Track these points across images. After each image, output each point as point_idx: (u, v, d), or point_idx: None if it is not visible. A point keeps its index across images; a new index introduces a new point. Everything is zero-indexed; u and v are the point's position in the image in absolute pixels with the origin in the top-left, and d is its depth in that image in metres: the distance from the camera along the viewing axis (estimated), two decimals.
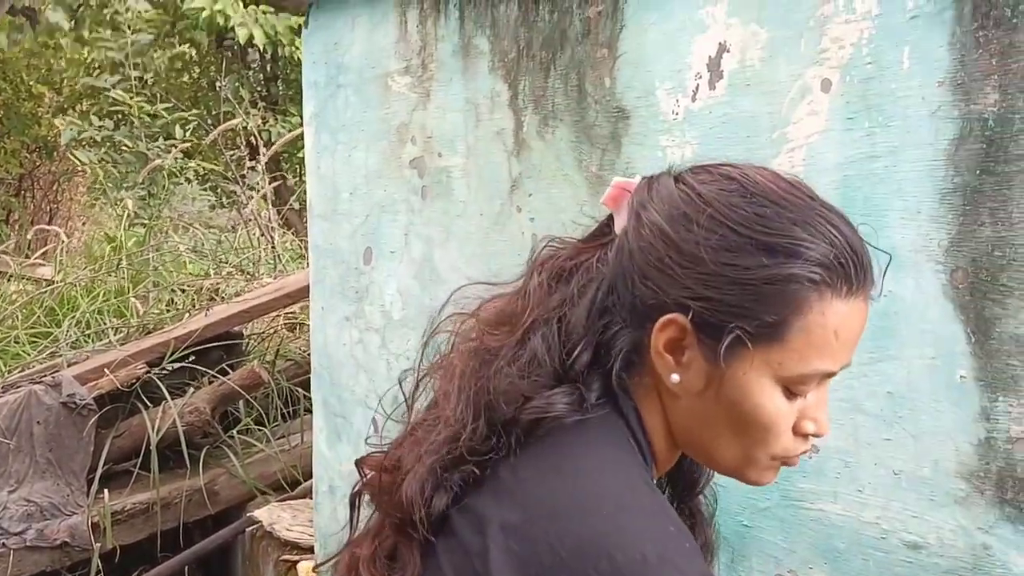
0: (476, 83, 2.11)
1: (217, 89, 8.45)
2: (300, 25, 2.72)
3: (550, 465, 0.99)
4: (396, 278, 2.38)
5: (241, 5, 7.12)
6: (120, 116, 7.70)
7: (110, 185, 7.25)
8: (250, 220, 6.22)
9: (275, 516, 3.30)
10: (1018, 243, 1.29)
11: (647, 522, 0.94)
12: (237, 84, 8.06)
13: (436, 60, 2.21)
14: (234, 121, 6.83)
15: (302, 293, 3.87)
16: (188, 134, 7.21)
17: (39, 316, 4.89)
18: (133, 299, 4.73)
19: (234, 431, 3.96)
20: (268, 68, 8.62)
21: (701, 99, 1.66)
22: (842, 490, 1.51)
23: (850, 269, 0.97)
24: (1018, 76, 1.28)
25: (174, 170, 6.72)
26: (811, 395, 1.02)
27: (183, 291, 5.04)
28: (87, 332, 4.52)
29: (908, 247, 1.39)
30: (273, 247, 5.81)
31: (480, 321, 1.10)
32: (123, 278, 5.03)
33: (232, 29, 7.16)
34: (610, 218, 1.09)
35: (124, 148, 7.29)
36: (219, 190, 7.98)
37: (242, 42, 7.27)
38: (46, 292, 5.15)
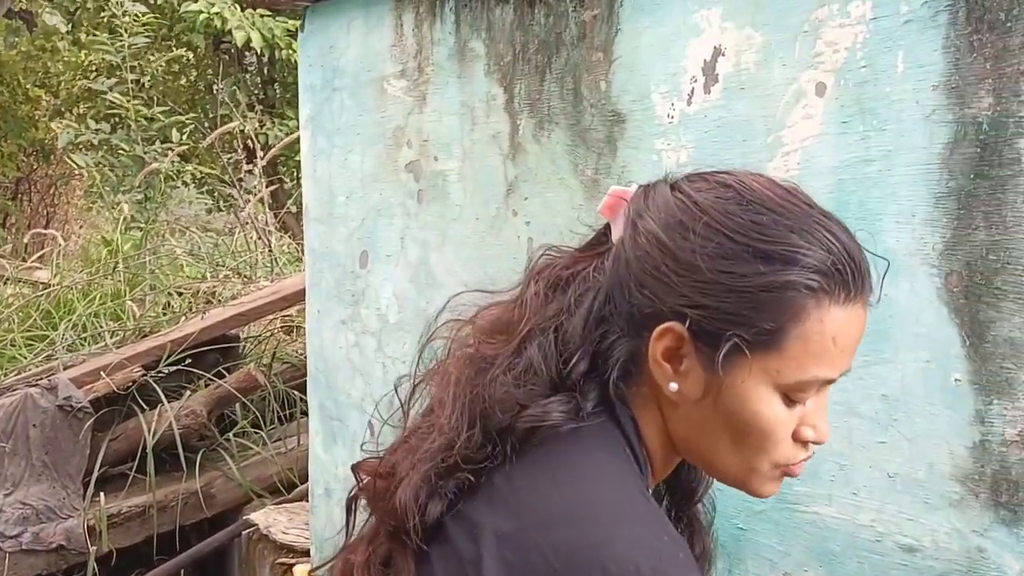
0: (472, 86, 2.11)
1: (214, 92, 8.45)
2: (297, 28, 2.72)
3: (545, 473, 0.99)
4: (392, 282, 2.38)
5: (238, 8, 7.12)
6: (117, 119, 7.69)
7: (107, 188, 7.23)
8: (247, 223, 6.22)
9: (271, 519, 3.30)
10: (1012, 247, 1.29)
11: (641, 532, 0.93)
12: (234, 87, 8.06)
13: (432, 63, 2.21)
14: (231, 124, 6.83)
15: (298, 296, 3.86)
16: (185, 137, 7.20)
17: (35, 319, 4.88)
18: (129, 302, 4.73)
19: (230, 434, 3.95)
20: (265, 71, 8.61)
21: (696, 103, 1.67)
22: (837, 493, 1.51)
23: (848, 275, 0.97)
24: (1012, 80, 1.28)
25: (171, 173, 6.71)
26: (810, 402, 1.01)
27: (180, 294, 5.04)
28: (83, 335, 4.51)
29: (903, 251, 1.39)
30: (270, 250, 5.81)
31: (476, 329, 1.09)
32: (119, 281, 5.02)
33: (229, 32, 7.15)
34: (607, 227, 1.09)
35: (121, 151, 7.28)
36: (216, 193, 7.98)
37: (239, 45, 7.26)
38: (42, 295, 5.15)
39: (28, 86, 9.61)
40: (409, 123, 2.28)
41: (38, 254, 7.27)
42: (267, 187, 6.64)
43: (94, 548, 3.51)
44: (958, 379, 1.36)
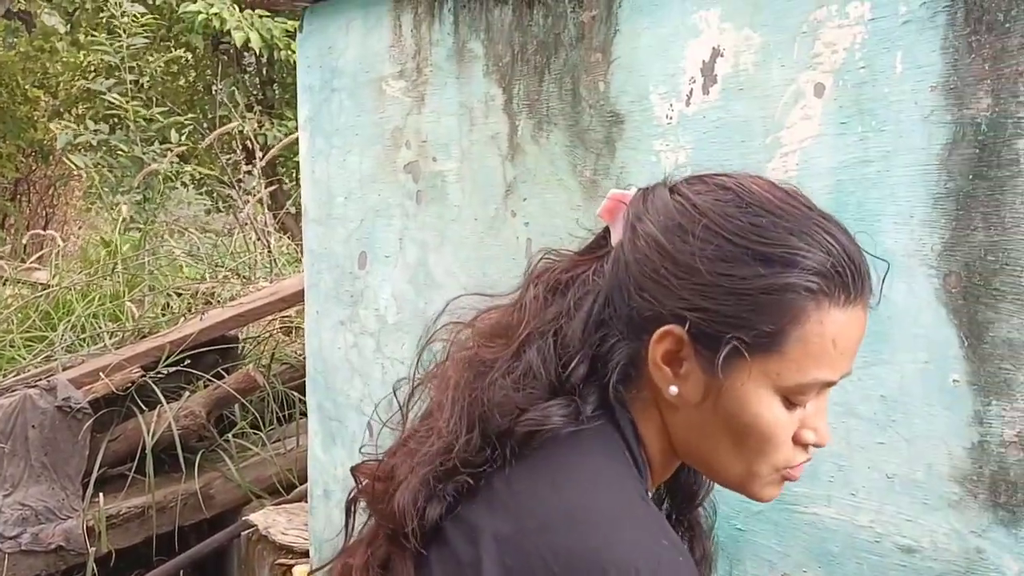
0: (470, 87, 2.11)
1: (213, 93, 8.44)
2: (295, 29, 2.72)
3: (544, 477, 0.99)
4: (391, 282, 2.38)
5: (237, 9, 7.11)
6: (116, 120, 7.68)
7: (106, 189, 7.23)
8: (246, 224, 6.22)
9: (270, 520, 3.30)
10: (1011, 247, 1.29)
11: (641, 536, 0.93)
12: (233, 88, 8.04)
13: (430, 64, 2.21)
14: (230, 125, 6.82)
15: (297, 297, 3.87)
16: (184, 138, 7.20)
17: (34, 320, 4.88)
18: (128, 303, 4.73)
19: (229, 435, 3.96)
20: (264, 72, 8.60)
21: (695, 103, 1.67)
22: (836, 494, 1.51)
23: (847, 278, 0.97)
24: (1010, 80, 1.28)
25: (170, 174, 6.71)
26: (810, 405, 1.01)
27: (179, 295, 5.04)
28: (82, 336, 4.51)
29: (901, 251, 1.39)
30: (269, 251, 5.81)
31: (476, 332, 1.09)
32: (118, 282, 5.02)
33: (228, 33, 7.14)
34: (606, 230, 1.08)
35: (120, 152, 7.27)
36: (215, 194, 7.98)
37: (238, 46, 7.25)
38: (41, 296, 5.15)
39: (27, 87, 9.60)
40: (408, 124, 2.28)
41: (37, 255, 7.27)
42: (266, 188, 6.64)
43: (93, 549, 3.52)
44: (956, 380, 1.36)
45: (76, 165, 7.73)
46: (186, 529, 3.72)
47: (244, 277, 5.38)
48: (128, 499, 3.67)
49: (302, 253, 2.87)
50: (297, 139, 2.80)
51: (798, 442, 1.02)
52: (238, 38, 7.05)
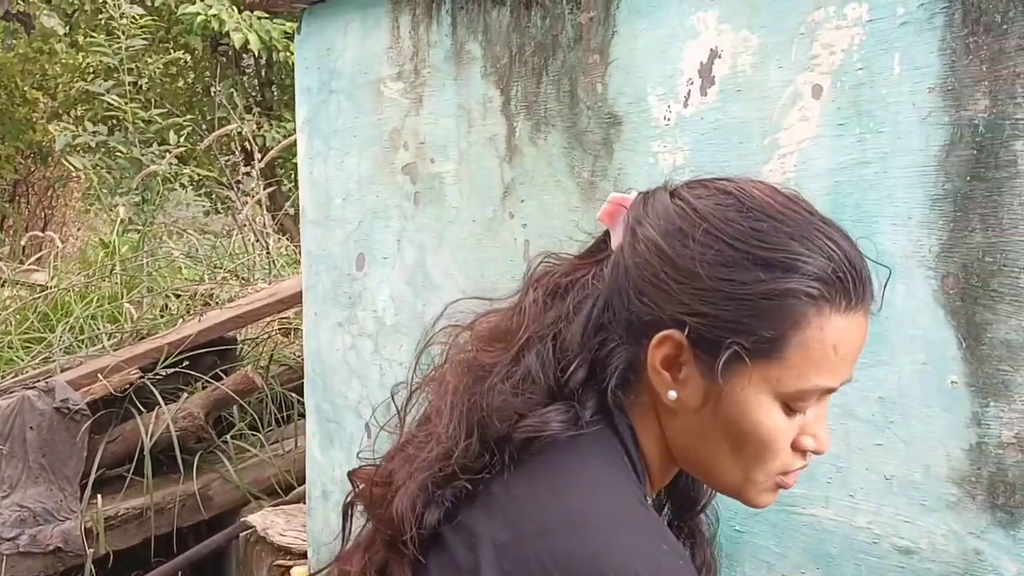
0: (468, 89, 2.11)
1: (212, 94, 8.44)
2: (294, 30, 2.72)
3: (543, 482, 0.98)
4: (389, 284, 2.38)
5: (236, 10, 7.11)
6: (115, 122, 7.68)
7: (104, 191, 7.23)
8: (245, 225, 6.21)
9: (269, 521, 3.30)
10: (1008, 249, 1.29)
11: (640, 541, 0.93)
12: (232, 89, 8.05)
13: (428, 66, 2.21)
14: (229, 127, 6.82)
15: (296, 299, 3.86)
16: (183, 140, 7.20)
17: (33, 321, 4.88)
18: (127, 304, 4.72)
19: (228, 436, 3.96)
20: (263, 73, 8.61)
21: (693, 105, 1.67)
22: (834, 495, 1.51)
23: (849, 283, 0.96)
24: (1008, 82, 1.28)
25: (168, 176, 6.71)
26: (810, 411, 1.01)
27: (177, 296, 5.03)
28: (81, 337, 4.51)
29: (899, 253, 1.39)
30: (268, 252, 5.80)
31: (474, 336, 1.09)
32: (117, 283, 5.01)
33: (227, 34, 7.15)
34: (606, 234, 1.08)
35: (118, 154, 7.28)
36: (214, 196, 7.97)
37: (237, 47, 7.26)
38: (40, 297, 5.14)
39: (25, 88, 9.60)
40: (406, 125, 2.28)
41: (35, 256, 7.25)
42: (265, 189, 6.63)
43: (91, 550, 3.52)
44: (954, 381, 1.36)
45: (75, 167, 7.74)
46: (184, 530, 3.72)
47: (242, 278, 5.38)
48: (126, 500, 3.67)
49: (300, 254, 2.87)
50: (295, 141, 2.80)
51: (797, 448, 1.02)
52: (237, 40, 7.05)
